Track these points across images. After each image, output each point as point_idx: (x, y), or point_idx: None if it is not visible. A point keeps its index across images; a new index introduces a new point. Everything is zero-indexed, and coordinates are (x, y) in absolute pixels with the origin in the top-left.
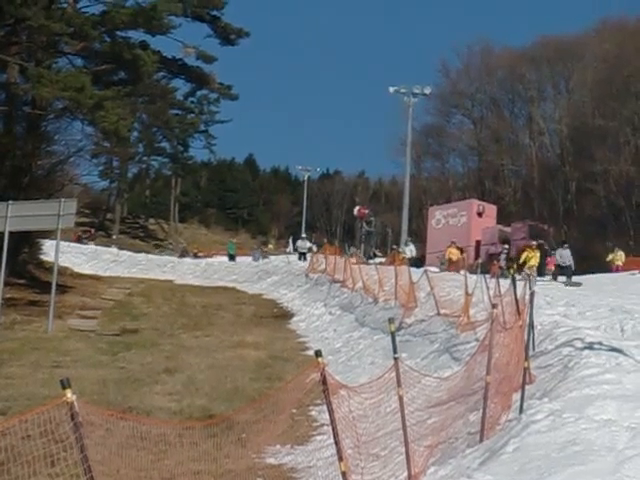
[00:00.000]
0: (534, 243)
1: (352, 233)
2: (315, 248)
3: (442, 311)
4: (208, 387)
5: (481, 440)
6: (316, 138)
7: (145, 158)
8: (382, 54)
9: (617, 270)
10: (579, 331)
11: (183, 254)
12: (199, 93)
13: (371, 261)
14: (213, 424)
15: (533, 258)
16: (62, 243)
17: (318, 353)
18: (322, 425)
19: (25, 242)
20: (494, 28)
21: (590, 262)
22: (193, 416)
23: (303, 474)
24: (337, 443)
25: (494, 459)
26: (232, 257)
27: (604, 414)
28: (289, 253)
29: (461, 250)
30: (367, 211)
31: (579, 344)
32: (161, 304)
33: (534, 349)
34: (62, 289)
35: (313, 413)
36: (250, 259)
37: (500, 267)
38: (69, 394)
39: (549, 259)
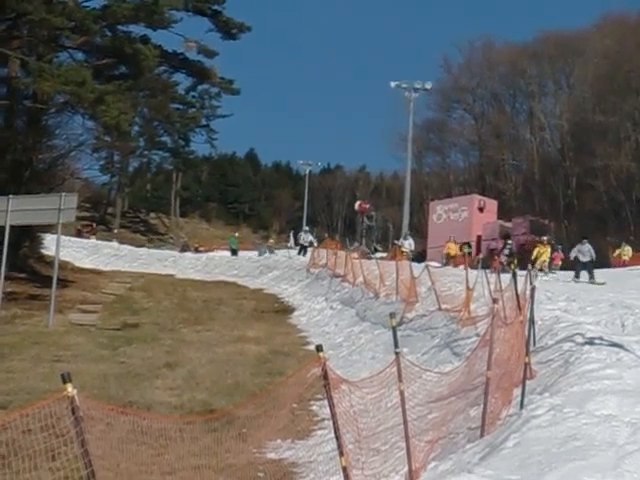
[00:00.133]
0: (545, 238)
1: (353, 228)
2: (316, 243)
3: (443, 306)
4: (209, 382)
5: (482, 435)
6: (317, 133)
7: (146, 152)
8: (383, 49)
9: (624, 265)
10: (580, 326)
11: (184, 249)
12: (200, 87)
13: (374, 255)
14: (214, 419)
15: (544, 254)
16: (63, 237)
17: (319, 348)
18: (323, 420)
19: (26, 236)
20: (495, 23)
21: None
22: (194, 411)
23: (304, 469)
24: (338, 438)
25: (495, 454)
26: (234, 252)
27: (605, 409)
28: (290, 247)
29: (467, 244)
30: (368, 206)
31: (580, 339)
32: (162, 298)
33: (535, 344)
34: (63, 283)
35: (314, 408)
36: (252, 254)
37: (501, 262)
38: (70, 388)
39: (555, 254)
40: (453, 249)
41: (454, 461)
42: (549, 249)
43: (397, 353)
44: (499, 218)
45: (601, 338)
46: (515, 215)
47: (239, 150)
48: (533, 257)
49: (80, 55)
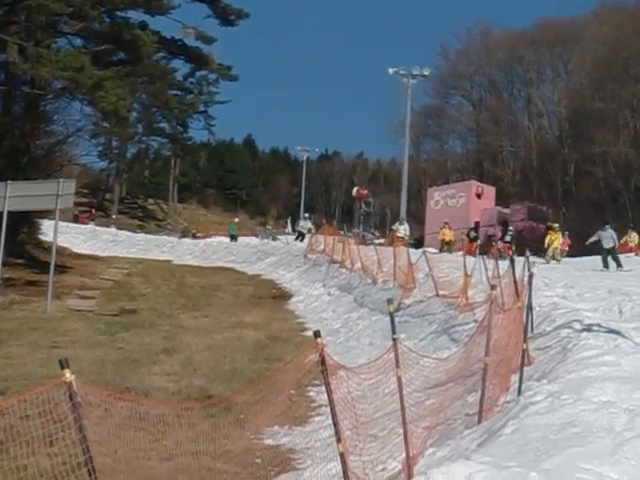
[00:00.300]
0: (556, 225)
1: (351, 214)
2: (313, 230)
3: (441, 292)
4: (206, 368)
5: (479, 421)
6: (315, 119)
7: (144, 138)
8: (381, 35)
9: (630, 252)
10: (578, 313)
11: (184, 234)
12: (198, 74)
13: (378, 241)
14: (211, 405)
15: (556, 240)
16: (61, 223)
17: (317, 334)
18: (320, 406)
19: (24, 222)
20: (493, 10)
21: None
22: (191, 397)
23: (301, 455)
24: (335, 424)
25: (492, 440)
26: (234, 237)
27: (603, 396)
28: (288, 234)
29: (474, 230)
30: (366, 192)
31: (578, 326)
32: (160, 284)
33: (532, 331)
34: (61, 269)
35: (311, 394)
36: (250, 239)
37: (498, 249)
38: (67, 374)
39: (562, 240)
40: (448, 235)
41: (452, 447)
42: (560, 235)
43: (395, 339)
44: (497, 204)
45: (599, 325)
46: (513, 201)
47: (237, 136)
48: (546, 245)
49: (78, 41)
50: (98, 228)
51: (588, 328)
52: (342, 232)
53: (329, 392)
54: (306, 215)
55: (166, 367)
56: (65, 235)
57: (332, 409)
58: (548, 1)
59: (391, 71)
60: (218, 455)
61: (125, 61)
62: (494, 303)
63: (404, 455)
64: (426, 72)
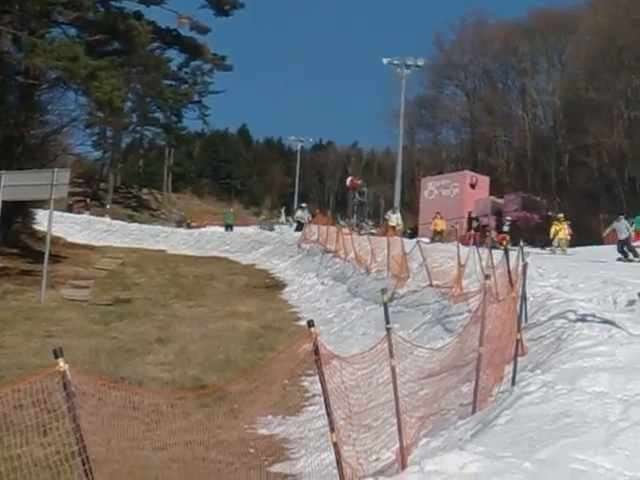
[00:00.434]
0: (561, 215)
1: (345, 204)
2: (310, 219)
3: (434, 282)
4: (200, 357)
5: (473, 412)
6: (309, 109)
7: (139, 128)
8: (376, 25)
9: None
10: (572, 303)
11: (180, 223)
12: (193, 64)
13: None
14: (205, 394)
15: (561, 230)
16: (55, 213)
17: (310, 323)
18: (314, 396)
19: (18, 212)
20: (488, 0)
21: (583, 234)
22: (185, 386)
23: (295, 445)
24: (329, 414)
25: (486, 431)
26: (230, 227)
27: (597, 386)
28: (282, 223)
29: (475, 219)
30: (360, 182)
31: (572, 316)
32: (154, 274)
33: (526, 321)
34: (55, 259)
35: (305, 384)
36: (244, 229)
37: (492, 239)
38: (61, 363)
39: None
40: (440, 225)
41: (445, 438)
42: (566, 226)
43: (388, 329)
44: (491, 195)
45: (593, 315)
46: (507, 192)
47: (231, 126)
48: (551, 235)
49: (73, 31)
50: (92, 218)
51: (582, 318)
52: (343, 223)
53: (323, 382)
54: (303, 205)
55: (160, 357)
56: (59, 225)
57: (326, 399)
58: None
59: (385, 61)
60: (212, 445)
61: (119, 51)
62: (488, 293)
63: (398, 445)
64: (420, 62)
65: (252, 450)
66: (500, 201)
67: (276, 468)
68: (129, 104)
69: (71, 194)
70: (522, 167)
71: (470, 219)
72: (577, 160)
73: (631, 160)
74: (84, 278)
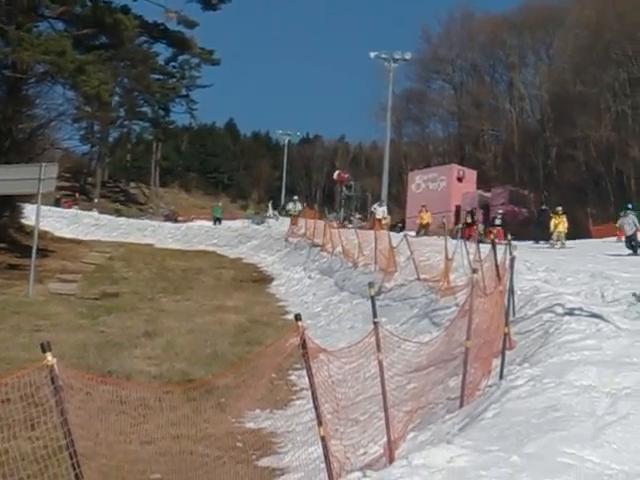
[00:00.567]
0: (559, 209)
1: (332, 197)
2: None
3: (422, 276)
4: (188, 351)
5: (461, 406)
6: (297, 102)
7: (126, 122)
8: (363, 19)
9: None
10: (560, 297)
11: (168, 217)
12: (180, 58)
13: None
14: (193, 388)
15: (561, 224)
16: (43, 207)
17: (298, 317)
18: (301, 389)
19: (6, 206)
20: None
21: (570, 228)
22: (172, 380)
23: (282, 439)
24: (316, 408)
25: (474, 425)
26: (218, 220)
27: (584, 380)
28: (269, 217)
29: (471, 212)
30: (347, 175)
31: (560, 310)
32: (141, 268)
33: (514, 314)
34: (43, 253)
35: (292, 377)
36: (232, 223)
37: (480, 233)
38: (49, 357)
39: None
40: (426, 218)
41: (433, 431)
42: (565, 219)
43: (376, 323)
44: (478, 188)
45: (581, 309)
46: (494, 185)
47: (219, 120)
48: (551, 229)
49: (60, 25)
50: (80, 212)
51: (570, 312)
52: (330, 216)
53: (310, 376)
54: (295, 197)
55: (147, 350)
56: (47, 219)
57: (313, 393)
58: None
59: (372, 55)
60: (199, 439)
61: (107, 45)
62: (475, 287)
63: (385, 439)
64: (407, 56)
65: (239, 444)
66: (487, 195)
67: (264, 462)
68: (116, 98)
69: (59, 188)
70: (509, 161)
71: (466, 212)
72: (564, 153)
73: (618, 153)
74: (72, 272)
